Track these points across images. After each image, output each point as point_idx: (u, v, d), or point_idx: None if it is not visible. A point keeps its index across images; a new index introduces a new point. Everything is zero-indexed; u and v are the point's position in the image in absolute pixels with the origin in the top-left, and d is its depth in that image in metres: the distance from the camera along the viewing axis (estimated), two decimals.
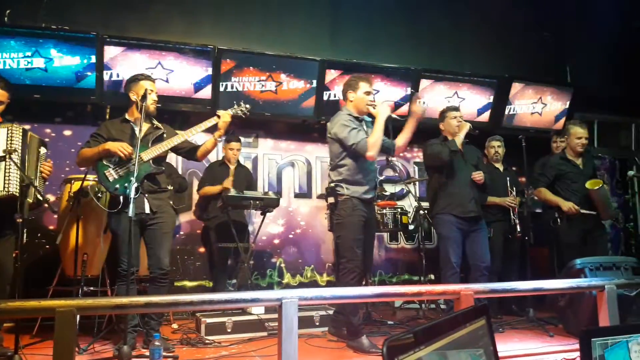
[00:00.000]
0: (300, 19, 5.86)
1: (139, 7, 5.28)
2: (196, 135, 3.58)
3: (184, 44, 5.17)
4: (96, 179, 3.75)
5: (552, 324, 4.18)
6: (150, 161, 3.41)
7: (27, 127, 3.42)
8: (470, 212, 4.15)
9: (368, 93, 3.72)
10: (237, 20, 5.63)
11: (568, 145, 4.58)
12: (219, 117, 3.52)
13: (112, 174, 3.36)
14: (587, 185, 4.33)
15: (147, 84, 3.47)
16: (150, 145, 3.43)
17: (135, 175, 3.05)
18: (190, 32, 5.38)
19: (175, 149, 3.64)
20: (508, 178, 5.01)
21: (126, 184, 3.29)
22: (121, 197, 3.30)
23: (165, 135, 3.55)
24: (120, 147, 3.31)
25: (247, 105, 3.75)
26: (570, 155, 4.55)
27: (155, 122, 3.60)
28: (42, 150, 3.45)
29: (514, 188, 4.96)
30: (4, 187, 3.10)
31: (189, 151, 3.67)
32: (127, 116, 3.57)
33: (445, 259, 4.10)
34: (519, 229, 4.74)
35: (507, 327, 4.24)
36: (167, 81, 5.14)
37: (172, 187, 4.05)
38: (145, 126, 3.48)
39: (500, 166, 5.16)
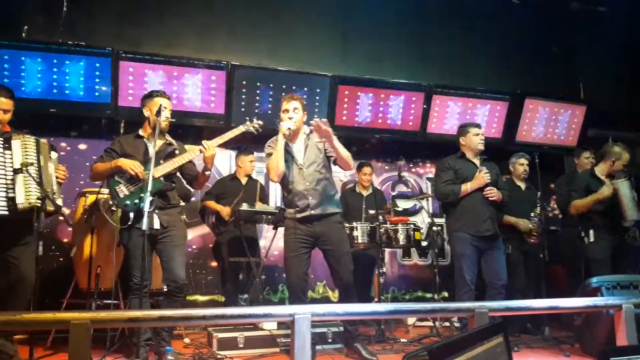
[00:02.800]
0: (312, 35, 5.91)
1: (153, 23, 5.37)
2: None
3: (198, 59, 5.23)
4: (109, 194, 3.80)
5: (568, 343, 4.11)
6: (161, 178, 3.44)
7: (44, 140, 3.46)
8: (486, 231, 4.11)
9: (285, 111, 3.68)
10: (249, 36, 5.69)
11: (608, 165, 4.50)
12: (201, 151, 3.47)
13: (122, 190, 3.39)
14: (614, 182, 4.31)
15: (161, 100, 3.50)
16: (162, 162, 3.46)
17: (140, 190, 3.08)
18: (203, 48, 5.45)
19: (182, 173, 3.67)
20: (530, 197, 4.91)
21: (136, 200, 3.33)
22: (131, 213, 3.32)
23: (177, 152, 3.57)
24: (132, 166, 3.35)
25: (260, 122, 3.77)
26: (600, 174, 4.52)
27: (169, 138, 3.63)
28: (54, 155, 3.51)
29: (537, 207, 4.86)
30: (25, 199, 3.15)
31: (190, 178, 3.71)
32: (140, 132, 3.60)
33: (460, 277, 4.06)
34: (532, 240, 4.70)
35: (523, 346, 4.17)
36: (180, 96, 5.19)
37: (183, 203, 4.08)
38: (159, 142, 3.51)
39: (522, 184, 5.07)
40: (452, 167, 4.25)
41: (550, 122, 6.44)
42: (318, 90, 5.61)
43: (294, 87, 5.50)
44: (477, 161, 4.27)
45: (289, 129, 3.55)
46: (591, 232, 4.37)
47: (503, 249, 4.28)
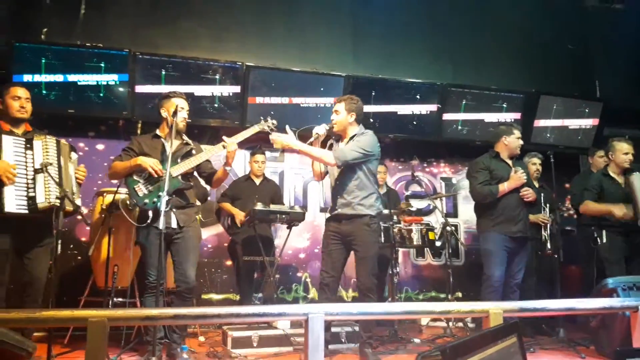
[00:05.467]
0: (325, 36, 5.92)
1: (168, 24, 5.42)
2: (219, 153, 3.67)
3: (213, 60, 5.28)
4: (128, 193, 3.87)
5: (583, 345, 4.08)
6: (179, 177, 3.48)
7: (65, 141, 3.53)
8: (519, 232, 4.08)
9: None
10: (262, 38, 5.72)
11: (613, 161, 4.48)
12: (224, 146, 3.51)
13: (141, 189, 3.43)
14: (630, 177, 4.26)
15: (178, 101, 3.54)
16: (179, 161, 3.50)
17: (159, 189, 3.12)
18: (217, 49, 5.49)
19: (199, 171, 3.70)
20: (542, 195, 4.92)
21: (155, 199, 3.36)
22: (150, 212, 3.37)
23: (194, 151, 3.61)
24: (152, 164, 3.38)
25: (274, 121, 3.79)
26: (612, 172, 4.47)
27: (186, 138, 3.67)
28: (74, 155, 3.58)
29: (548, 205, 4.87)
30: (45, 199, 3.21)
31: (207, 176, 3.73)
32: (158, 132, 3.64)
33: (488, 275, 4.04)
34: (549, 247, 4.66)
35: (537, 347, 4.14)
36: (195, 96, 5.24)
37: (200, 203, 4.11)
38: (176, 142, 3.55)
39: (536, 183, 5.05)
40: (487, 168, 4.21)
41: (565, 120, 6.38)
42: (332, 90, 5.61)
43: (308, 88, 5.52)
44: (510, 161, 4.26)
45: (317, 133, 3.68)
46: (604, 232, 4.32)
47: (529, 251, 4.25)
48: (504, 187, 4.09)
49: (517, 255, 4.12)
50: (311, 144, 3.67)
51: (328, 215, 3.81)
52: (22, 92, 3.43)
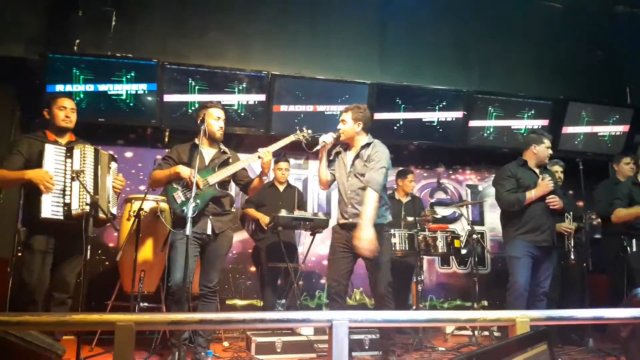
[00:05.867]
0: (349, 43, 5.93)
1: (195, 35, 5.51)
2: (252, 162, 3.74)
3: (239, 69, 5.35)
4: (156, 199, 3.97)
5: (613, 355, 3.99)
6: (216, 185, 3.55)
7: (105, 151, 3.65)
8: (544, 241, 4.02)
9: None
10: (287, 46, 5.76)
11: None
12: (260, 157, 3.58)
13: (180, 196, 3.54)
14: None
15: (215, 111, 3.65)
16: (216, 169, 3.58)
17: (196, 197, 3.21)
18: (243, 58, 5.56)
19: (235, 179, 3.77)
20: (565, 203, 4.84)
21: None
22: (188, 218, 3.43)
23: (230, 160, 3.69)
24: (190, 175, 3.44)
25: (309, 131, 3.85)
26: None
27: (223, 147, 3.76)
28: (113, 165, 3.68)
29: (571, 213, 4.79)
30: (79, 205, 3.30)
31: (244, 185, 3.80)
32: (196, 141, 3.70)
33: (513, 282, 3.98)
34: (572, 257, 4.57)
35: (566, 358, 4.07)
36: (222, 105, 5.30)
37: (235, 210, 4.17)
38: (213, 151, 3.68)
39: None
40: (514, 175, 4.16)
41: (594, 127, 6.27)
42: (357, 98, 5.62)
43: (332, 96, 5.55)
44: (537, 170, 4.20)
45: (324, 142, 3.65)
46: (634, 241, 4.22)
47: (556, 260, 4.17)
48: (531, 194, 4.03)
49: (543, 264, 4.06)
50: (318, 152, 3.67)
51: (338, 222, 3.77)
52: (68, 102, 3.57)
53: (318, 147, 3.67)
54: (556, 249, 4.15)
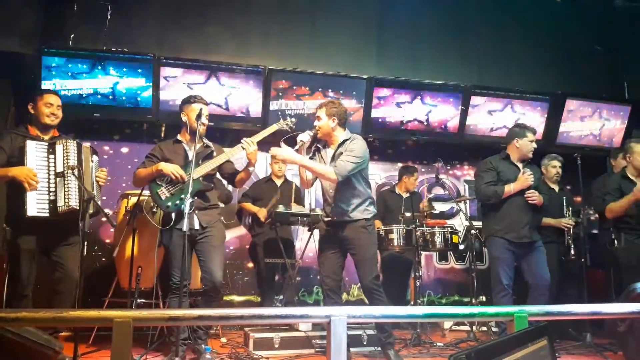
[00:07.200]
0: (347, 38, 5.91)
1: (192, 28, 5.48)
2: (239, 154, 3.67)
3: (236, 64, 5.32)
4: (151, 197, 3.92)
5: (611, 350, 3.99)
6: (200, 178, 3.51)
7: (87, 144, 3.59)
8: (524, 237, 4.01)
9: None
10: (284, 40, 5.74)
11: (630, 164, 4.37)
12: (243, 148, 3.51)
13: (164, 192, 3.49)
14: None
15: (199, 106, 3.56)
16: (200, 163, 3.54)
17: (181, 191, 3.16)
18: (240, 53, 5.53)
19: (221, 172, 3.74)
20: (564, 198, 4.83)
21: (177, 202, 3.43)
22: (173, 214, 3.41)
23: (214, 153, 3.65)
24: (173, 171, 3.42)
25: (293, 119, 3.81)
26: (631, 174, 4.36)
27: (206, 140, 3.71)
28: (95, 158, 3.63)
29: (570, 209, 4.78)
30: (65, 202, 3.26)
31: (230, 176, 3.76)
32: (179, 137, 3.69)
33: (496, 280, 3.99)
34: (572, 251, 4.57)
35: (563, 352, 4.07)
36: (218, 100, 5.28)
37: (223, 205, 4.14)
38: (196, 145, 3.57)
39: (556, 186, 4.97)
40: (495, 168, 4.14)
41: (592, 123, 6.27)
42: (354, 92, 5.61)
43: (330, 90, 5.53)
44: (520, 165, 4.17)
45: (301, 141, 3.56)
46: (622, 235, 4.21)
47: (543, 249, 4.16)
48: (510, 188, 4.01)
49: (532, 257, 4.04)
50: (297, 151, 3.57)
51: (323, 219, 3.74)
52: (54, 99, 3.51)
53: (297, 147, 3.57)
54: (537, 241, 4.10)
